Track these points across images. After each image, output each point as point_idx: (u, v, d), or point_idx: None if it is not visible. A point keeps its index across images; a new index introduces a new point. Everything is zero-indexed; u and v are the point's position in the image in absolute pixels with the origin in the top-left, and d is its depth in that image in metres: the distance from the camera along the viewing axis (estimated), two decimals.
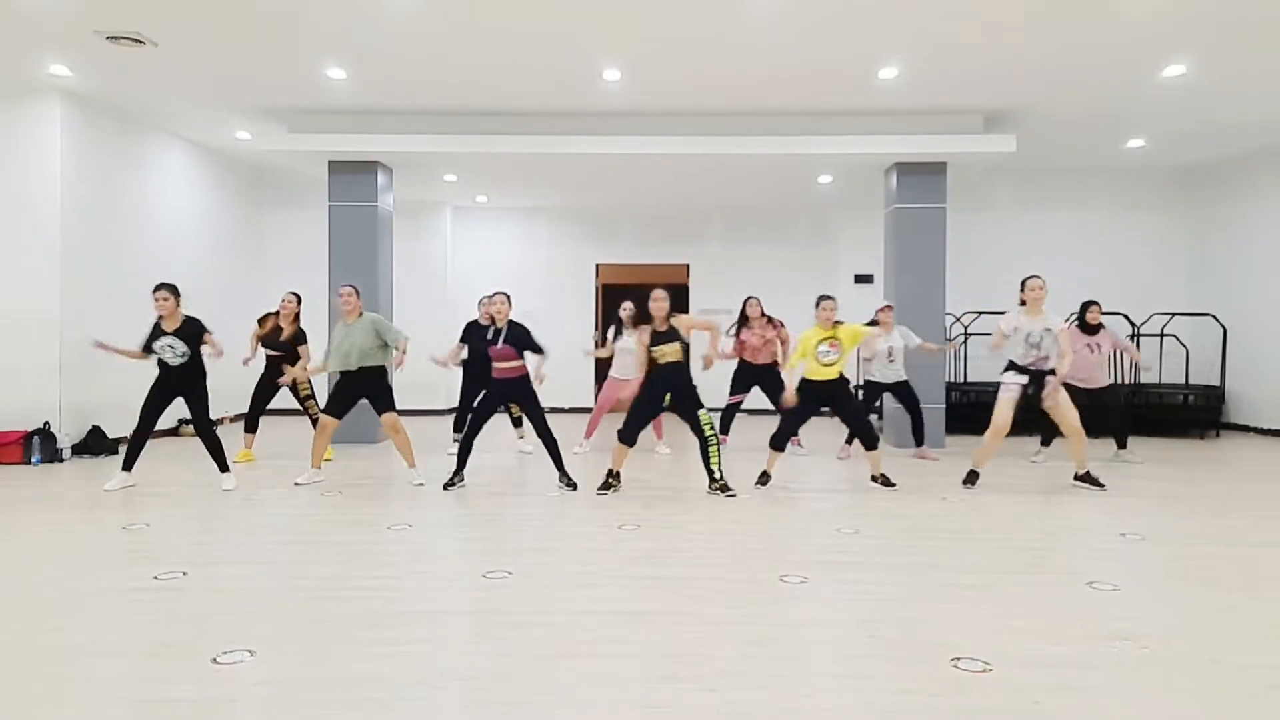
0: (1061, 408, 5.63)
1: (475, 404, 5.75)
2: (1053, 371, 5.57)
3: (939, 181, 7.95)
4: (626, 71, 6.49)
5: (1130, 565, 3.83)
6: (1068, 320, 6.15)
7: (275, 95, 7.14)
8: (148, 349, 5.50)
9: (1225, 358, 9.10)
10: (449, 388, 10.89)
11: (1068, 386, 6.78)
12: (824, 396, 5.71)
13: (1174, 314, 9.50)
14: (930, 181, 7.93)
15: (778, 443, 5.80)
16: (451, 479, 5.64)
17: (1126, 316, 9.29)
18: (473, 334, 7.13)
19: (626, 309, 7.24)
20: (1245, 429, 9.19)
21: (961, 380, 9.51)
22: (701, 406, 5.43)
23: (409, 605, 3.24)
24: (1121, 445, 7.05)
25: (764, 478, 5.76)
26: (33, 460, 6.69)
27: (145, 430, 5.52)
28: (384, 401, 5.74)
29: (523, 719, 2.30)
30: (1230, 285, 9.49)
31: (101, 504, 5.15)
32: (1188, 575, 3.69)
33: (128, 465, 5.59)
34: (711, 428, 5.44)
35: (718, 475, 5.43)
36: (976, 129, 7.64)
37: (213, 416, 5.75)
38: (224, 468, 5.67)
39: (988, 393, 9.05)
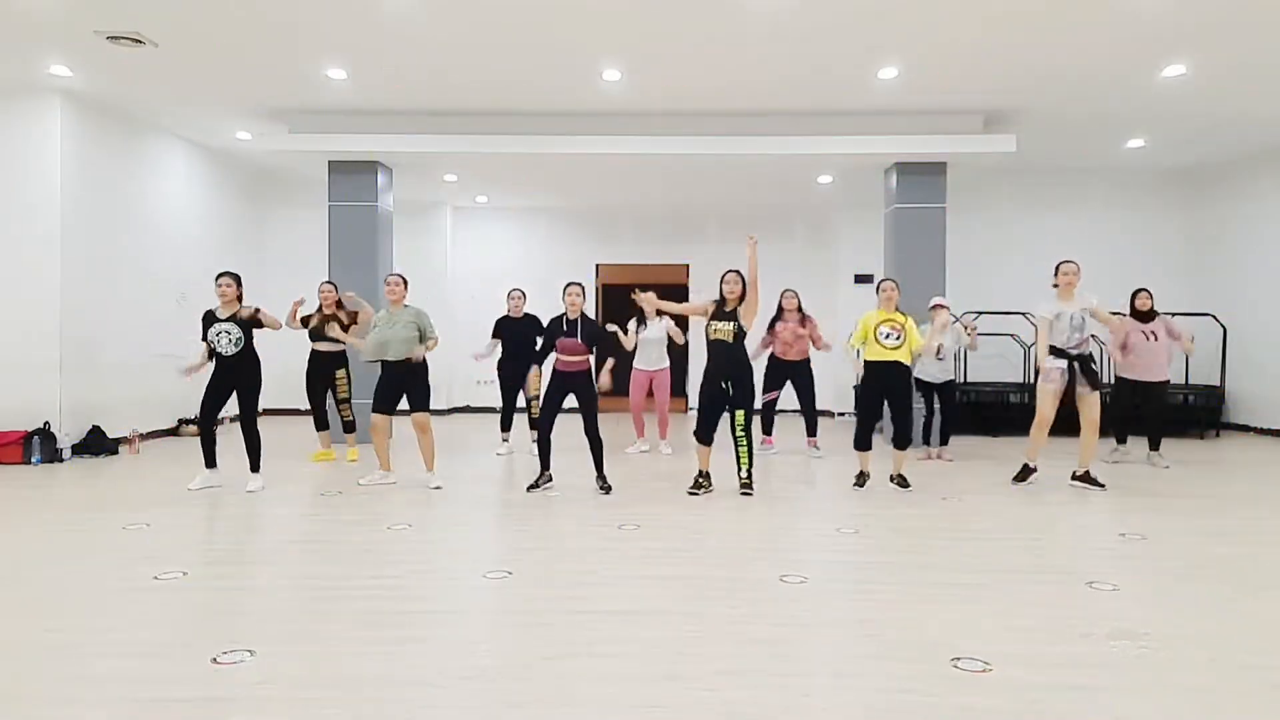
0: (1089, 399, 5.60)
1: (544, 397, 5.58)
2: (1091, 357, 5.56)
3: (939, 181, 7.95)
4: (626, 71, 6.49)
5: (1130, 565, 3.83)
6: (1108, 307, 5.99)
7: (275, 95, 7.15)
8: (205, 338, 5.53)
9: (1225, 358, 9.10)
10: (449, 387, 10.91)
11: (1122, 380, 6.80)
12: (887, 379, 5.57)
13: (1174, 314, 9.47)
14: (930, 181, 7.93)
15: (861, 442, 5.74)
16: (537, 480, 5.58)
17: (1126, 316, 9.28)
18: (504, 328, 7.15)
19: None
20: (1245, 429, 9.19)
21: (963, 380, 9.51)
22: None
23: (409, 605, 3.24)
24: (1154, 446, 6.90)
25: (861, 478, 5.75)
26: (33, 460, 6.69)
27: (208, 425, 5.56)
28: (422, 398, 5.71)
29: (523, 719, 2.30)
30: (1230, 285, 9.49)
31: (101, 504, 5.15)
32: (1188, 575, 3.69)
33: (210, 463, 5.62)
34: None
35: (745, 476, 5.46)
36: (976, 129, 7.64)
37: (220, 417, 5.75)
38: (255, 468, 5.66)
39: (989, 393, 9.09)
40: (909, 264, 7.95)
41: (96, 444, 7.13)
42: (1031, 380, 9.51)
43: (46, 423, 6.87)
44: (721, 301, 5.45)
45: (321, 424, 6.94)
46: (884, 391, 5.64)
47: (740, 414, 5.40)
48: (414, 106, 7.46)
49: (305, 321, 6.80)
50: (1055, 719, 2.30)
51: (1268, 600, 3.33)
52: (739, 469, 5.49)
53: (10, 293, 6.90)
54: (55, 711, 2.33)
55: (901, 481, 5.71)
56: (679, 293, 10.66)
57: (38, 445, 6.72)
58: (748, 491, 5.42)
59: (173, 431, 8.34)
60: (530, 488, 5.56)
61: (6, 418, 6.87)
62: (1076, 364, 5.57)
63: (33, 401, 6.89)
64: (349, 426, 7.01)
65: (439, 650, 2.77)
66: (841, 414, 10.59)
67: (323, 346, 6.80)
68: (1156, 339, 6.76)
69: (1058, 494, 5.53)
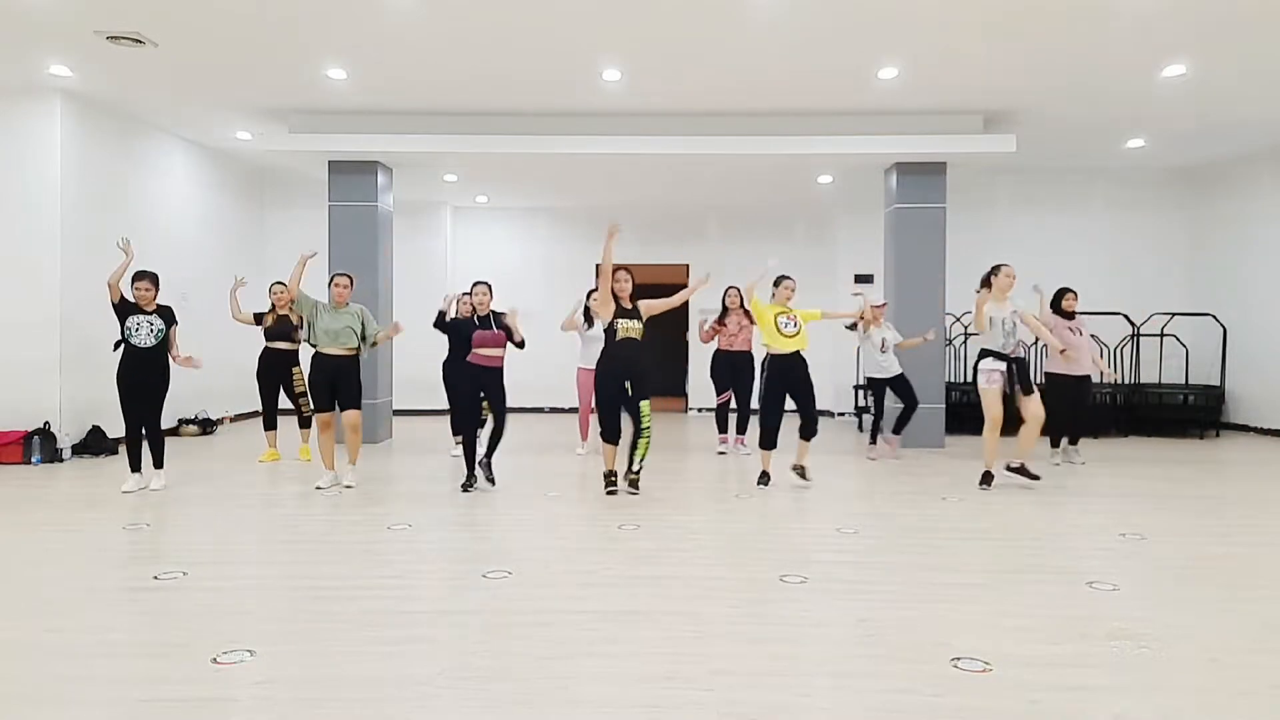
0: (1029, 399, 5.68)
1: (463, 399, 5.71)
2: (1025, 361, 5.65)
3: (939, 181, 7.95)
4: (626, 71, 6.49)
5: (1130, 565, 3.83)
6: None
7: (276, 95, 7.14)
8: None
9: (1225, 358, 9.10)
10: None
11: (1057, 377, 6.81)
12: (789, 371, 5.66)
13: (1174, 314, 9.49)
14: (930, 181, 7.93)
15: (769, 441, 5.76)
16: (468, 482, 5.58)
17: (1126, 316, 9.29)
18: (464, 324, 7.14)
19: (596, 299, 7.32)
20: (1245, 429, 9.19)
21: (962, 380, 9.51)
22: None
23: (409, 605, 3.24)
24: (1073, 441, 6.98)
25: (764, 478, 5.76)
26: (33, 460, 6.69)
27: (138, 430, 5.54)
28: (354, 396, 5.68)
29: (523, 719, 2.30)
30: (1230, 285, 9.48)
31: (101, 504, 5.15)
32: (1187, 575, 3.69)
33: (270, 425, 6.25)
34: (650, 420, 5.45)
35: (637, 468, 5.46)
36: (976, 129, 7.64)
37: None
38: (159, 464, 5.61)
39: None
40: (909, 264, 7.95)
41: (96, 444, 7.13)
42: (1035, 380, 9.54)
43: (46, 423, 6.87)
44: (618, 300, 5.48)
45: (271, 423, 6.96)
46: (791, 383, 5.69)
47: (645, 405, 5.37)
48: (414, 106, 7.45)
49: (259, 319, 6.91)
50: (1055, 719, 2.30)
51: (1268, 600, 3.33)
52: (632, 462, 5.45)
53: (10, 293, 6.90)
54: (55, 711, 2.33)
55: (802, 473, 5.75)
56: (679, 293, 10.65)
57: (38, 445, 6.72)
58: (634, 489, 5.41)
59: (172, 431, 8.34)
60: (465, 488, 5.52)
61: (6, 418, 6.87)
62: (1014, 366, 5.66)
63: (33, 401, 6.89)
64: (306, 421, 6.96)
65: (439, 650, 2.77)
66: (842, 414, 10.59)
67: (279, 345, 6.84)
68: (1081, 335, 6.84)
69: (1058, 494, 5.53)
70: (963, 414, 8.74)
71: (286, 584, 3.53)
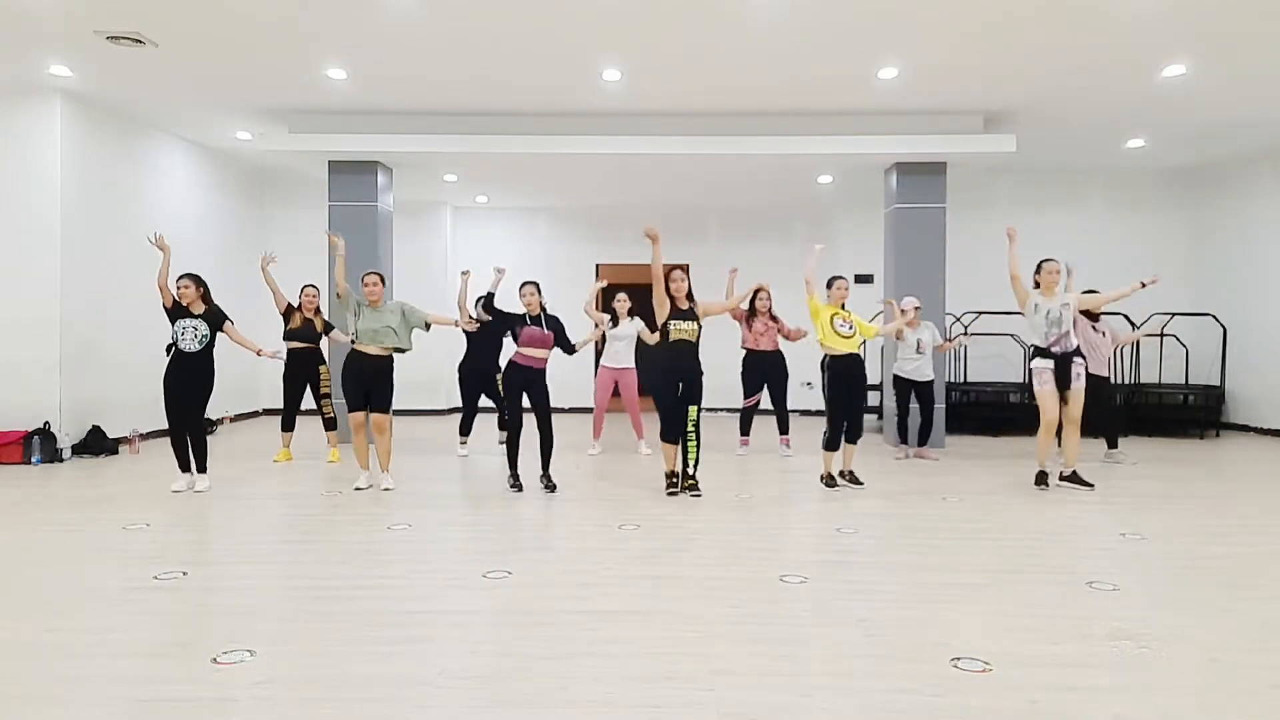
0: (1077, 394, 5.61)
1: (507, 399, 5.60)
2: (1078, 352, 5.60)
3: (939, 181, 7.95)
4: (626, 72, 6.49)
5: (1130, 565, 3.83)
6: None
7: (275, 96, 7.14)
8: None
9: (1225, 358, 9.10)
10: (449, 388, 10.90)
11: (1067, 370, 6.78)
12: (848, 372, 5.66)
13: (1174, 314, 9.49)
14: (930, 181, 7.93)
15: (830, 443, 5.75)
16: (516, 482, 5.59)
17: (1126, 316, 9.29)
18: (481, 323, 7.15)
19: (622, 300, 7.34)
20: (1245, 429, 9.19)
21: (962, 380, 9.52)
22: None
23: (409, 605, 3.24)
24: (1112, 444, 6.98)
25: (829, 480, 5.76)
26: (33, 460, 6.69)
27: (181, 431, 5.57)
28: (385, 399, 5.65)
29: (523, 719, 2.30)
30: (1230, 285, 9.49)
31: (101, 504, 5.15)
32: (1188, 575, 3.69)
33: (185, 467, 5.56)
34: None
35: (692, 472, 5.46)
36: (976, 129, 7.64)
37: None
38: (203, 468, 5.61)
39: (988, 393, 9.09)
40: (909, 264, 7.95)
41: (96, 444, 7.13)
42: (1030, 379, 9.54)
43: (46, 423, 6.87)
44: (673, 300, 5.46)
45: (289, 424, 6.94)
46: (851, 386, 5.69)
47: (692, 410, 5.40)
48: (414, 106, 7.45)
49: (287, 316, 6.88)
50: (1055, 719, 2.30)
51: (1268, 600, 3.33)
52: (686, 466, 5.47)
53: (10, 292, 6.90)
54: (55, 711, 2.33)
55: (852, 477, 5.75)
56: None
57: (38, 445, 6.72)
58: (695, 492, 5.40)
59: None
60: (517, 488, 5.54)
61: (6, 418, 6.87)
62: (1061, 363, 5.59)
63: (33, 401, 6.89)
64: (330, 424, 7.00)
65: (439, 650, 2.77)
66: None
67: (302, 345, 6.83)
68: (1105, 335, 6.85)
69: (1057, 494, 5.53)
70: (962, 414, 8.74)
71: (286, 584, 3.53)
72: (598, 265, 11.27)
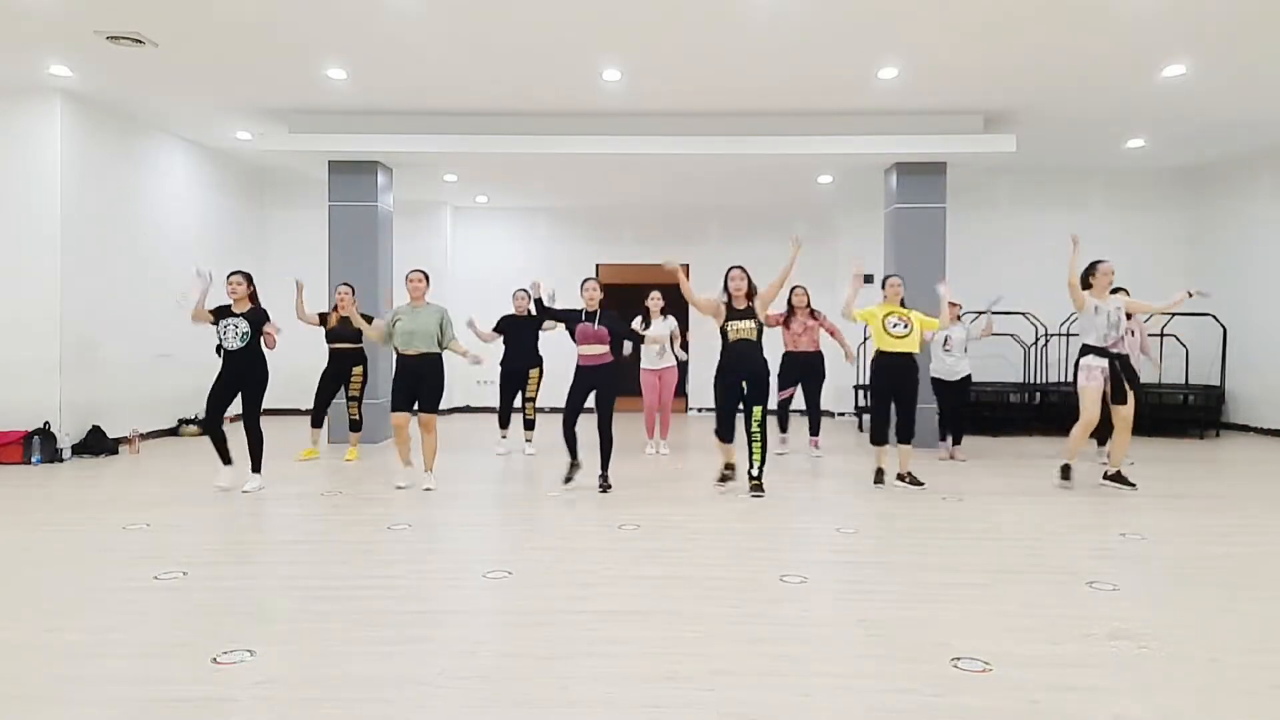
0: (1134, 395, 5.60)
1: (568, 394, 5.57)
2: (1126, 356, 5.60)
3: (939, 181, 7.95)
4: (626, 72, 6.49)
5: (1130, 565, 3.83)
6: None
7: (275, 95, 7.14)
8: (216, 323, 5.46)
9: (1225, 358, 9.10)
10: (449, 388, 10.89)
11: (1129, 369, 6.73)
12: (894, 370, 5.67)
13: (1174, 314, 9.49)
14: (930, 181, 7.93)
15: (877, 436, 5.77)
16: (570, 473, 5.59)
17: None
18: (510, 326, 7.16)
19: (655, 299, 7.33)
20: (1245, 429, 9.19)
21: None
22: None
23: (409, 605, 3.24)
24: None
25: (880, 475, 5.78)
26: (33, 460, 6.69)
27: (214, 423, 5.54)
28: (433, 399, 5.64)
29: (522, 719, 2.30)
30: (1230, 285, 9.47)
31: (101, 504, 5.15)
32: (1188, 575, 3.69)
33: (227, 460, 5.53)
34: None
35: (756, 472, 5.44)
36: (976, 129, 7.64)
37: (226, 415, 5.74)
38: (256, 468, 5.60)
39: (987, 392, 9.08)
40: (909, 264, 7.93)
41: (96, 444, 7.13)
42: (1031, 380, 9.53)
43: (46, 423, 6.87)
44: (730, 300, 5.45)
45: (318, 421, 6.94)
46: (895, 384, 5.68)
47: (757, 410, 5.38)
48: (414, 106, 7.45)
49: (323, 320, 6.88)
50: (1055, 719, 2.30)
51: (1268, 600, 3.33)
52: (751, 466, 5.47)
53: (10, 293, 6.90)
54: (55, 711, 2.33)
55: (913, 479, 5.71)
56: (678, 293, 10.65)
57: (38, 445, 6.72)
58: (758, 492, 5.39)
59: (173, 431, 8.34)
60: (566, 480, 5.56)
61: (6, 418, 6.87)
62: (1116, 364, 5.57)
63: (33, 401, 6.89)
64: (355, 425, 7.03)
65: (439, 650, 2.77)
66: (842, 414, 10.58)
67: (342, 345, 6.84)
68: (1133, 335, 6.84)
69: (1058, 494, 5.53)
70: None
71: (286, 584, 3.53)
72: (598, 265, 11.27)
